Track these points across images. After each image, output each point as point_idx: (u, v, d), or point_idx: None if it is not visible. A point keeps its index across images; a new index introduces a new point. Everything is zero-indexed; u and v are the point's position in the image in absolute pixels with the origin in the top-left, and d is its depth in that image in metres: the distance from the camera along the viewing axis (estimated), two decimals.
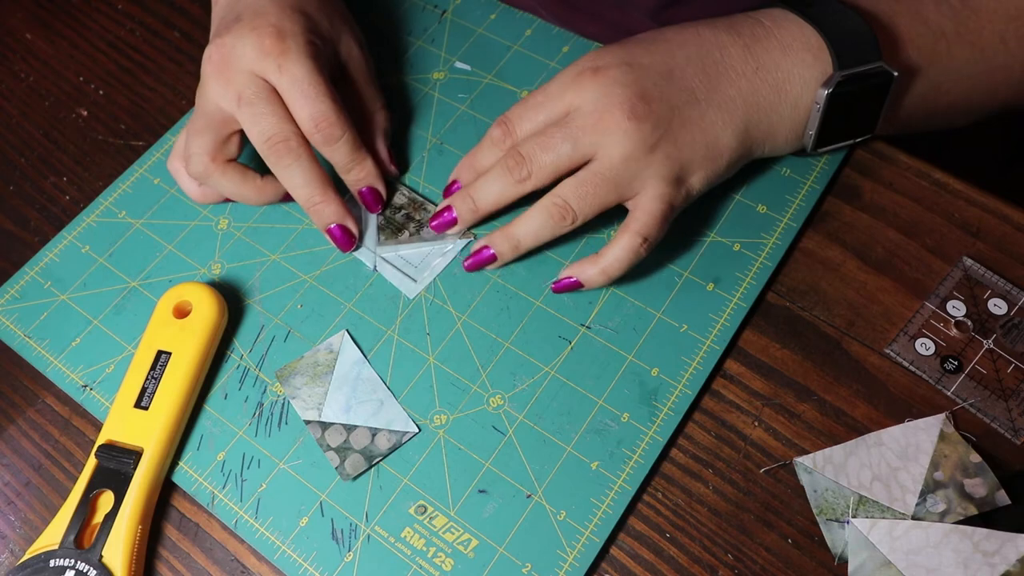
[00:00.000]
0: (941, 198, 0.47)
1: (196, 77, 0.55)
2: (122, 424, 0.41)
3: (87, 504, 0.40)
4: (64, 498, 0.42)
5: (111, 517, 0.40)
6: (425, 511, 0.41)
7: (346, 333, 0.45)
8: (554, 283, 0.45)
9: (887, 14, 0.44)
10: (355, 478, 0.41)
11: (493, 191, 0.44)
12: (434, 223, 0.46)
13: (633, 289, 0.45)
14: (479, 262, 0.45)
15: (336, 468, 0.41)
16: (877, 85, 0.42)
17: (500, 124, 0.45)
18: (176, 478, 0.42)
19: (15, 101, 0.56)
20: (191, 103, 0.54)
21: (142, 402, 0.42)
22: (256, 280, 0.47)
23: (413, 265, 0.47)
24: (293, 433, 0.43)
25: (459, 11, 0.56)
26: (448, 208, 0.46)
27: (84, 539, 0.40)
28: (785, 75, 0.43)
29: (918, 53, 0.44)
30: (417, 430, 0.42)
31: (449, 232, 0.46)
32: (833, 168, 0.48)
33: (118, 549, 0.39)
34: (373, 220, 0.48)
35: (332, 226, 0.46)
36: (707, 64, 0.43)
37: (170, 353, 0.43)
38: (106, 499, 0.40)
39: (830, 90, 0.42)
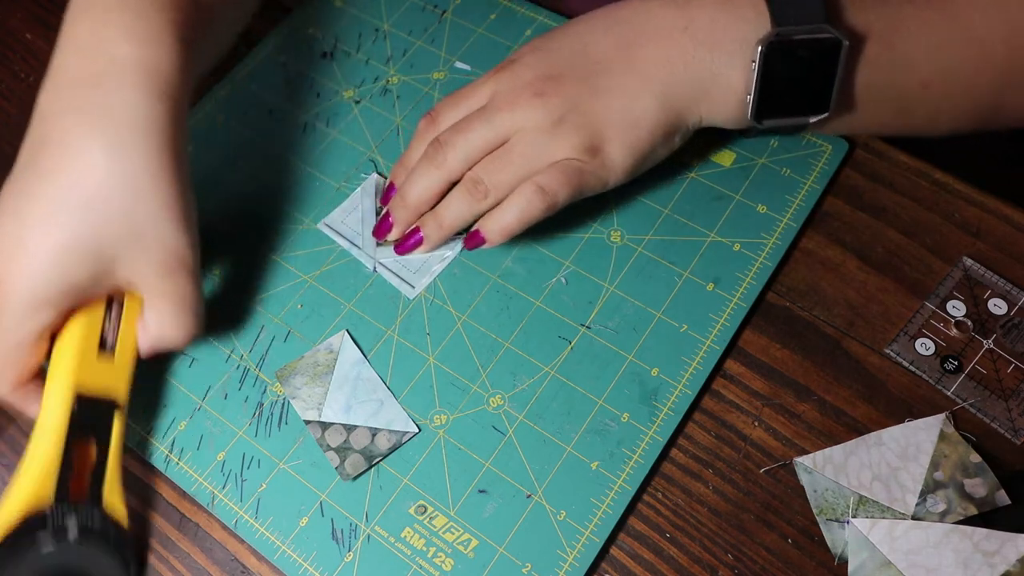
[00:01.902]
0: (941, 198, 0.47)
1: None
2: (89, 372, 0.38)
3: (69, 456, 0.37)
4: None
5: (100, 464, 0.38)
6: (425, 511, 0.41)
7: (346, 333, 0.45)
8: (465, 239, 0.44)
9: None
10: (355, 478, 0.41)
11: (420, 185, 0.44)
12: (376, 233, 0.47)
13: (633, 289, 0.45)
14: (408, 246, 0.46)
15: (336, 468, 0.41)
16: (825, 51, 0.40)
17: (425, 116, 0.46)
18: (176, 478, 0.42)
19: (15, 101, 0.56)
20: (190, 103, 0.54)
21: (105, 348, 0.39)
22: (256, 280, 0.47)
23: (412, 270, 0.47)
24: (293, 433, 0.43)
25: (459, 11, 0.56)
26: (385, 216, 0.47)
27: (72, 492, 0.37)
28: (721, 30, 0.41)
29: (880, 18, 0.41)
30: (417, 430, 0.42)
31: (390, 237, 0.47)
32: (833, 168, 0.48)
33: (115, 495, 0.38)
34: (371, 224, 0.48)
35: None
36: (626, 32, 0.42)
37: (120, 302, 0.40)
38: (85, 449, 0.38)
39: (763, 48, 0.39)
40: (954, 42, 0.41)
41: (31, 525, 0.36)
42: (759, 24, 0.40)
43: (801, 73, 0.41)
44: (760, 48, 0.39)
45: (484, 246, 0.44)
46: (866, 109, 0.43)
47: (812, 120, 0.43)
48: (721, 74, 0.41)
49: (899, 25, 0.41)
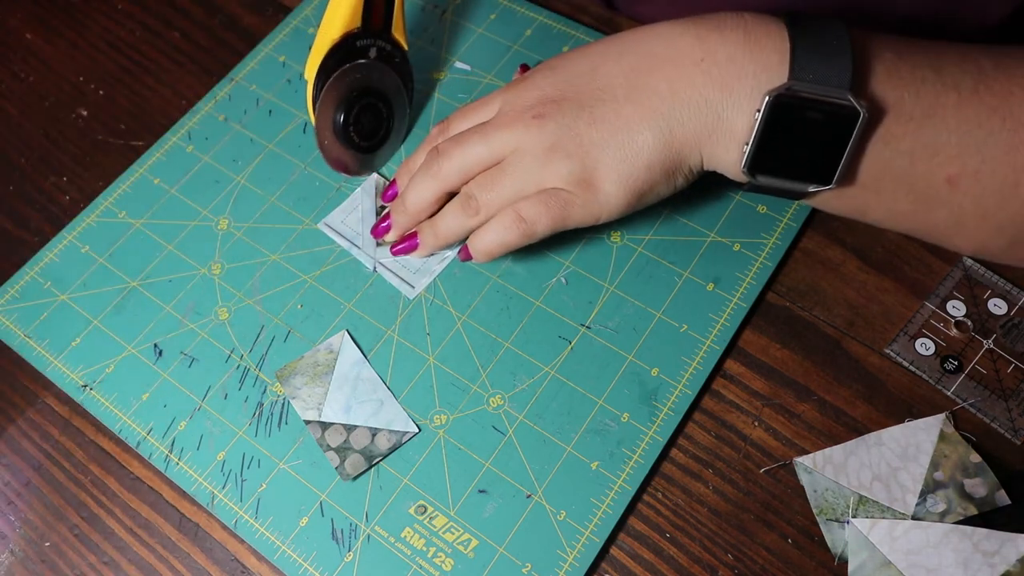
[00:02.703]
0: None
1: (196, 77, 0.55)
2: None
3: None
4: (64, 498, 0.42)
5: (389, 4, 0.46)
6: (425, 511, 0.41)
7: (346, 333, 0.45)
8: (458, 252, 0.45)
9: (895, 50, 0.38)
10: (355, 478, 0.41)
11: (416, 192, 0.45)
12: (375, 232, 0.47)
13: (633, 289, 0.45)
14: (404, 249, 0.46)
15: (336, 468, 0.41)
16: (841, 118, 0.36)
17: (438, 124, 0.47)
18: (176, 478, 0.42)
19: (15, 101, 0.56)
20: (191, 103, 0.54)
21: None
22: (256, 280, 0.47)
23: (412, 271, 0.47)
24: (293, 433, 0.43)
25: (459, 11, 0.56)
26: (384, 216, 0.47)
27: (372, 24, 0.46)
28: (736, 71, 0.38)
29: (915, 98, 0.37)
30: (417, 430, 0.42)
31: (387, 238, 0.47)
32: None
33: (399, 26, 0.47)
34: (371, 224, 0.48)
35: None
36: (639, 58, 0.40)
37: None
38: None
39: (769, 99, 0.36)
40: (996, 142, 0.36)
41: (346, 45, 0.46)
42: (779, 73, 0.37)
43: (810, 136, 0.37)
44: (767, 98, 0.36)
45: (472, 262, 0.45)
46: (880, 193, 0.39)
47: (812, 189, 0.39)
48: (726, 117, 0.38)
49: (935, 110, 0.37)
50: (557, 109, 0.41)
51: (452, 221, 0.44)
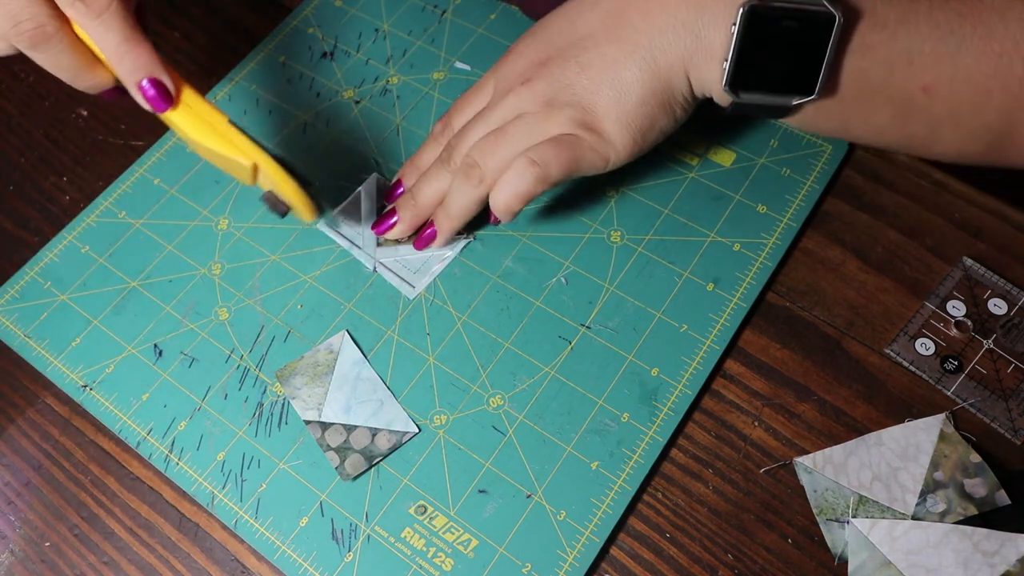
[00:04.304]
0: (941, 198, 0.47)
1: (196, 77, 0.55)
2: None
3: None
4: (64, 498, 0.42)
5: None
6: (425, 511, 0.41)
7: (346, 333, 0.45)
8: (489, 216, 0.45)
9: None
10: (355, 478, 0.41)
11: (431, 187, 0.45)
12: (377, 228, 0.47)
13: (633, 289, 0.45)
14: (424, 240, 0.46)
15: (336, 468, 0.41)
16: (817, 25, 0.37)
17: (439, 120, 0.47)
18: (176, 478, 0.42)
19: (15, 101, 0.56)
20: None
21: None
22: (256, 280, 0.47)
23: (412, 270, 0.47)
24: (293, 433, 0.43)
25: (459, 11, 0.56)
26: (389, 213, 0.47)
27: None
28: None
29: (889, 5, 0.37)
30: (417, 430, 0.42)
31: (392, 235, 0.47)
32: (833, 168, 0.48)
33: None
34: (372, 224, 0.48)
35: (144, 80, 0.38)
36: (613, 1, 0.41)
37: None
38: None
39: (744, 10, 0.37)
40: (968, 49, 0.37)
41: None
42: None
43: (788, 46, 0.38)
44: (741, 10, 0.37)
45: (498, 223, 0.45)
46: (859, 105, 0.40)
47: (795, 102, 0.39)
48: (704, 36, 0.39)
49: (909, 17, 0.37)
50: (545, 69, 0.42)
51: (459, 196, 0.44)
